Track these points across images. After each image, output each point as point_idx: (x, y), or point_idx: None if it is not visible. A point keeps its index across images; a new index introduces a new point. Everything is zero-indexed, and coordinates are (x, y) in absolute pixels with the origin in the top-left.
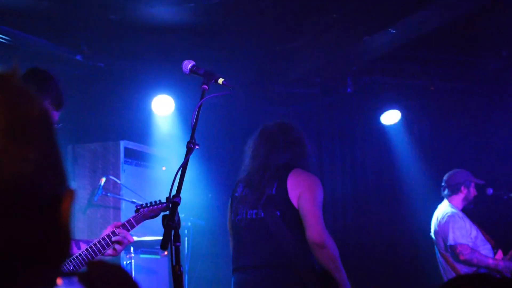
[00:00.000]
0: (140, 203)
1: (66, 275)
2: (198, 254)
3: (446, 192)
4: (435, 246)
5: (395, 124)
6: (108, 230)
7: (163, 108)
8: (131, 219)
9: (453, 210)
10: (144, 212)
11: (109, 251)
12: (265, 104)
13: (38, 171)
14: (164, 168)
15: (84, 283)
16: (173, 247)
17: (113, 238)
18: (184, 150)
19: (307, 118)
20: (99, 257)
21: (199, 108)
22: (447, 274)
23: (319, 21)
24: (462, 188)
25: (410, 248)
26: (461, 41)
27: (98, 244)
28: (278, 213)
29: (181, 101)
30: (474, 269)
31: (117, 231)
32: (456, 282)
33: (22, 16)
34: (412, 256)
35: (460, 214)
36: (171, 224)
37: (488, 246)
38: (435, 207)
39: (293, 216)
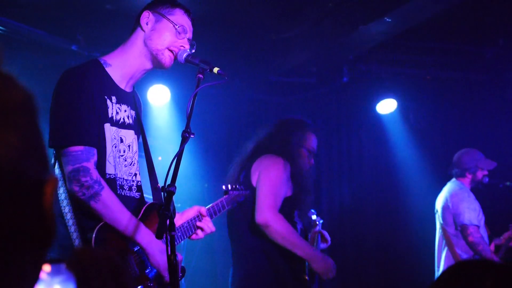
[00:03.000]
0: (225, 185)
1: (54, 262)
2: (194, 245)
3: (454, 172)
4: (437, 221)
5: (391, 113)
6: (194, 212)
7: (159, 98)
8: (219, 202)
9: (467, 190)
10: (234, 194)
11: (193, 235)
12: (260, 94)
13: (21, 157)
14: (160, 158)
15: (72, 271)
16: (169, 236)
17: (198, 224)
18: (180, 140)
19: (303, 108)
20: (186, 238)
21: (194, 97)
22: (446, 252)
23: (315, 10)
24: (467, 174)
25: (408, 236)
26: (457, 30)
27: (187, 225)
28: (248, 198)
29: (177, 90)
30: (471, 253)
31: (202, 219)
32: (458, 268)
33: (17, 6)
34: (409, 244)
35: (473, 195)
36: (167, 213)
37: (486, 235)
38: (432, 195)
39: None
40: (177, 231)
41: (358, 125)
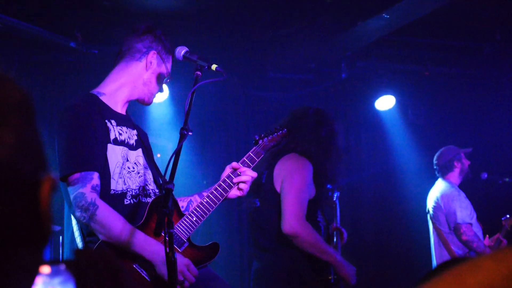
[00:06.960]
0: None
1: (53, 263)
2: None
3: (440, 172)
4: (430, 221)
5: (389, 110)
6: (226, 172)
7: (158, 95)
8: (250, 153)
9: (457, 188)
10: (264, 143)
11: (234, 192)
12: (259, 90)
13: (17, 156)
14: (159, 155)
15: (71, 272)
16: (167, 233)
17: (235, 179)
18: (178, 137)
19: (301, 104)
20: (222, 200)
21: (192, 94)
22: (442, 250)
23: (313, 6)
24: (455, 163)
25: (405, 232)
26: (455, 26)
27: (219, 188)
28: (271, 202)
29: (176, 87)
30: (466, 250)
31: (238, 170)
32: (451, 264)
33: (15, 3)
34: (406, 239)
35: (463, 193)
36: (165, 210)
37: (480, 230)
38: (429, 192)
39: (280, 204)
40: (203, 200)
41: (356, 122)
